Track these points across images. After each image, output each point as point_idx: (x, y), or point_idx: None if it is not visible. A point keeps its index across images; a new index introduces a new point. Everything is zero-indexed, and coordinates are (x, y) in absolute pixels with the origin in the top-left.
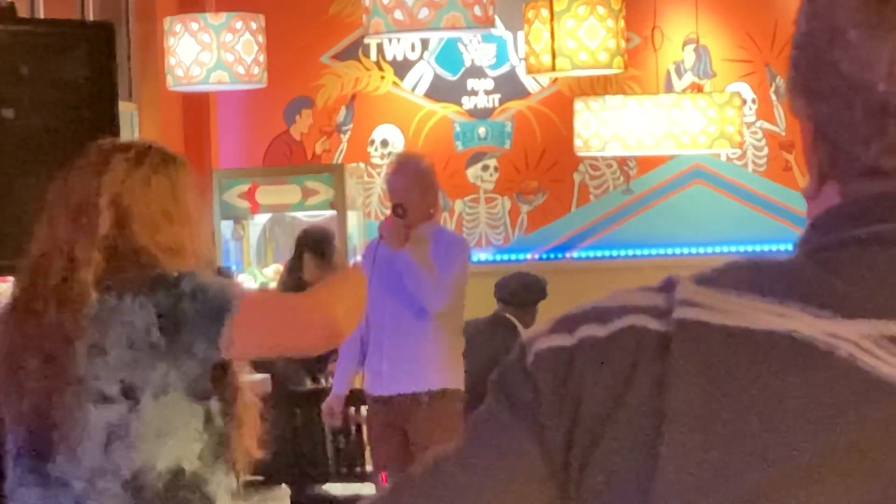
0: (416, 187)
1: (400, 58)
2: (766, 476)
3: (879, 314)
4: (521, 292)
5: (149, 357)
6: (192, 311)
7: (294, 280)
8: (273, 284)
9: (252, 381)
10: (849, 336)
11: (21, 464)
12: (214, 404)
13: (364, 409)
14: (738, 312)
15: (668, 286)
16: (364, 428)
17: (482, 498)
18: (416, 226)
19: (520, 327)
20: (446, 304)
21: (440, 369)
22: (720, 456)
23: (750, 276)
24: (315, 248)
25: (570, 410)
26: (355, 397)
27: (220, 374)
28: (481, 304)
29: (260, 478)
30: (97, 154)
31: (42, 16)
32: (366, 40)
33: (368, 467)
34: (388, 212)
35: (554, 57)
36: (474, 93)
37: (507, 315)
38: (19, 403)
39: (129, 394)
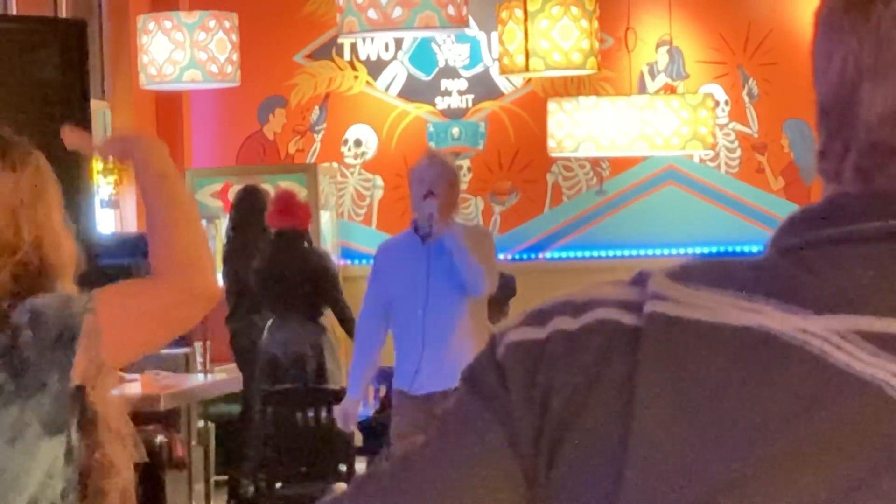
0: (444, 180)
1: (374, 57)
2: (734, 469)
3: (849, 309)
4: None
5: None
6: (33, 343)
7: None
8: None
9: (121, 413)
10: (819, 331)
11: None
12: (75, 435)
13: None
14: (710, 307)
15: (641, 280)
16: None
17: (451, 490)
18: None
19: (491, 326)
20: (494, 286)
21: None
22: (689, 449)
23: (722, 272)
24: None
25: (539, 403)
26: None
27: (77, 404)
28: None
29: (225, 477)
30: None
31: (15, 12)
32: (339, 40)
33: (342, 466)
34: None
35: (527, 57)
36: (448, 93)
37: None
38: None
39: None
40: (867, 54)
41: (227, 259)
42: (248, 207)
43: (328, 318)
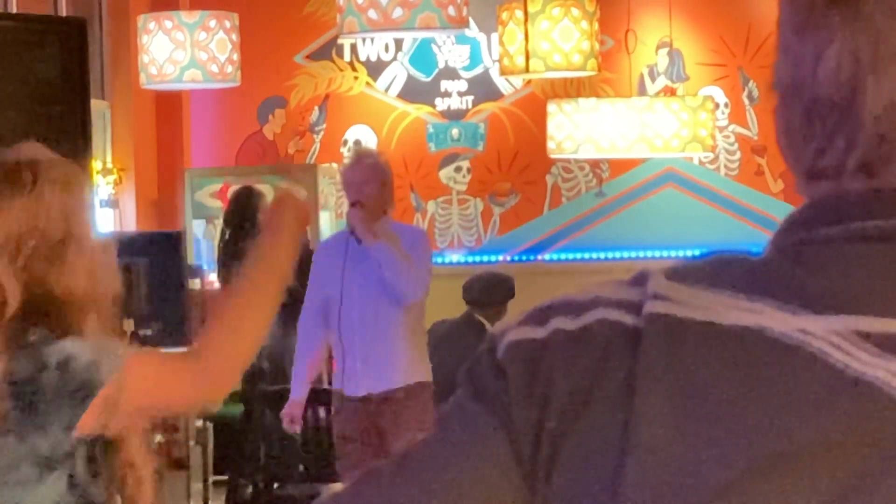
0: (372, 182)
1: (373, 58)
2: (733, 471)
3: (849, 310)
4: (488, 291)
5: None
6: (52, 387)
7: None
8: None
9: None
10: (819, 332)
11: None
12: (80, 464)
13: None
14: (709, 307)
15: (641, 280)
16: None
17: (449, 490)
18: (374, 221)
19: (489, 327)
20: (425, 294)
21: (414, 363)
22: (689, 450)
23: (721, 272)
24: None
25: (539, 403)
26: (320, 397)
27: (81, 446)
28: (452, 305)
29: (224, 477)
30: (22, 169)
31: (15, 11)
32: (339, 40)
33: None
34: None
35: (528, 58)
36: (448, 94)
37: (477, 316)
38: None
39: None
40: (864, 48)
41: (222, 260)
42: (243, 208)
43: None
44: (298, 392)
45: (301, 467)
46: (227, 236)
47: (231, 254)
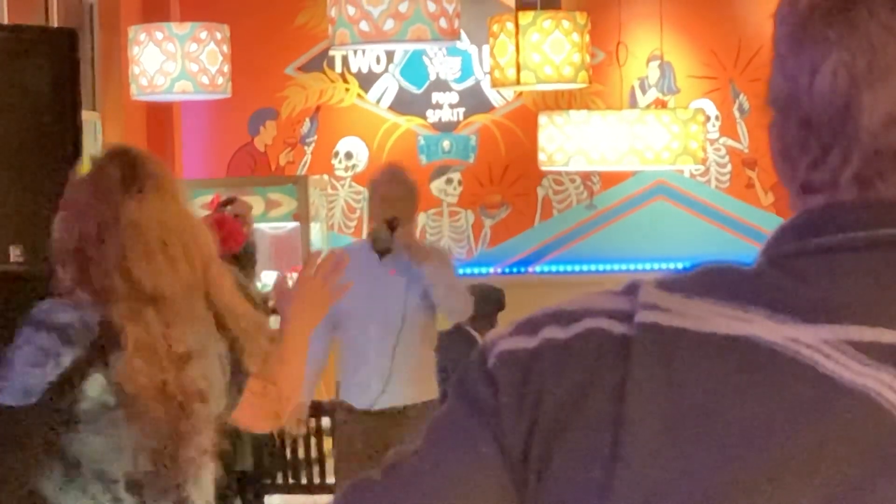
0: (408, 198)
1: (365, 70)
2: (723, 479)
3: (840, 319)
4: (479, 303)
5: None
6: None
7: None
8: None
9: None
10: (810, 341)
11: None
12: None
13: (319, 420)
14: (700, 316)
15: (631, 290)
16: (325, 439)
17: (442, 499)
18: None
19: (479, 339)
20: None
21: (427, 380)
22: (680, 458)
23: (712, 281)
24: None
25: (530, 412)
26: (314, 407)
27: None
28: (442, 317)
29: None
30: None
31: (5, 21)
32: (331, 52)
33: (330, 479)
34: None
35: (518, 71)
36: (439, 106)
37: (467, 328)
38: None
39: None
40: (861, 63)
41: None
42: None
43: None
44: (305, 396)
45: (290, 479)
46: None
47: None
